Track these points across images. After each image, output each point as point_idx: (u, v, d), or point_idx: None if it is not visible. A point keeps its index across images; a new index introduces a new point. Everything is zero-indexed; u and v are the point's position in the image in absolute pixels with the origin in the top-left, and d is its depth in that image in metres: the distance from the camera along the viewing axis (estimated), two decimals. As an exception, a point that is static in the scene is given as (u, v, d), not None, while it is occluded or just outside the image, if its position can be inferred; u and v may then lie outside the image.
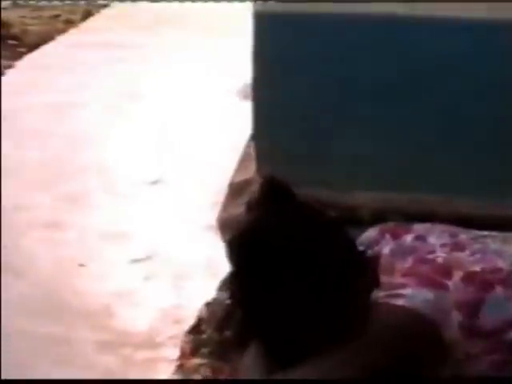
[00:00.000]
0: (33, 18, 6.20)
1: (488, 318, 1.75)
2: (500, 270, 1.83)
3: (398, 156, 2.53)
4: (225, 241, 2.74)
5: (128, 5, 6.39)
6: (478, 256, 1.90)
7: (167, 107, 4.12)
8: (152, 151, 3.56)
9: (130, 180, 3.27)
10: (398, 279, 1.89)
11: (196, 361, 2.09)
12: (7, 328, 2.33)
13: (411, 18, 2.47)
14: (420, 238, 2.01)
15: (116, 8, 6.29)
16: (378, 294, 1.81)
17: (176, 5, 6.27)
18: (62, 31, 5.77)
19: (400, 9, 2.50)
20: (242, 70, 4.27)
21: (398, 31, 2.49)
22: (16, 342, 2.29)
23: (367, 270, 1.81)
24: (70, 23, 6.10)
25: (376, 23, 2.51)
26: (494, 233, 2.04)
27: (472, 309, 1.75)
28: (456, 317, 1.75)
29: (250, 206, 1.96)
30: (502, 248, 1.96)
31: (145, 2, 6.40)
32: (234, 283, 1.90)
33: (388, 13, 2.50)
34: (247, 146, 3.27)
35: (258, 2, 2.63)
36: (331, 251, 1.79)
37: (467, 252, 1.92)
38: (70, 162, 3.46)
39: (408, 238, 2.03)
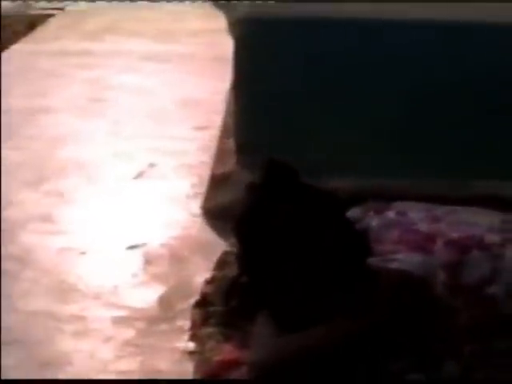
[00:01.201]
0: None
1: (467, 277, 2.02)
2: (474, 236, 2.08)
3: (371, 145, 2.79)
4: (211, 225, 2.97)
5: (72, 15, 6.51)
6: (454, 226, 2.16)
7: (132, 108, 4.26)
8: (126, 149, 3.69)
9: (112, 176, 3.41)
10: (389, 247, 2.14)
11: (208, 330, 2.28)
12: (21, 308, 2.44)
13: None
14: (401, 213, 2.25)
15: (61, 18, 6.39)
16: (373, 261, 2.08)
17: (117, 13, 6.44)
18: (10, 41, 5.87)
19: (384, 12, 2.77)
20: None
21: (383, 33, 2.75)
22: (32, 320, 2.39)
23: (361, 241, 2.07)
24: (14, 33, 6.20)
25: (359, 25, 2.77)
26: (462, 208, 2.33)
27: (454, 269, 1.99)
28: (441, 276, 2.00)
29: (251, 188, 2.19)
30: (472, 219, 2.24)
31: (87, 13, 6.54)
32: (242, 259, 2.13)
33: (371, 17, 2.76)
34: (221, 142, 3.49)
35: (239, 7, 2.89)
36: (330, 226, 2.01)
37: (444, 223, 2.19)
38: (49, 161, 3.58)
39: (390, 214, 2.26)
